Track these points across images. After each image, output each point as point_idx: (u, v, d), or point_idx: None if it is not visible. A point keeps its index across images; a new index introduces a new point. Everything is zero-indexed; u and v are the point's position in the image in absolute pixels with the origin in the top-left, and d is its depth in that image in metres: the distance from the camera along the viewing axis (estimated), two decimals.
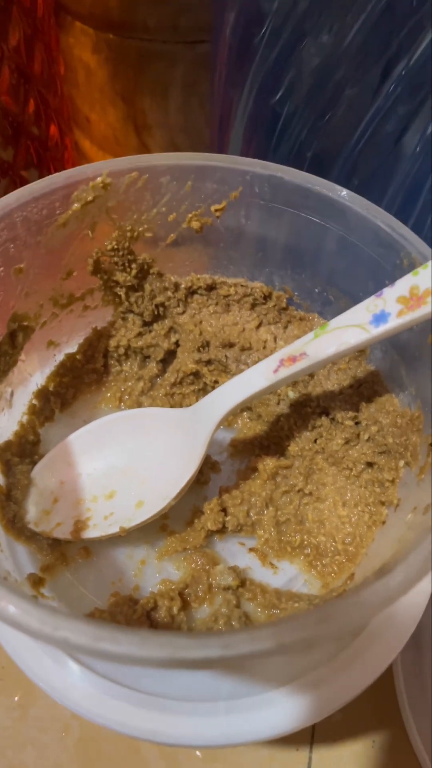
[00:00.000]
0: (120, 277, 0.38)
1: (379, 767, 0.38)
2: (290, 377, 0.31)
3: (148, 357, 0.41)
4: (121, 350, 0.41)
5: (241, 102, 0.42)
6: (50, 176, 0.33)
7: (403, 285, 0.28)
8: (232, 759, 0.38)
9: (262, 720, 0.29)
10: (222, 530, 0.35)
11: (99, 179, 0.34)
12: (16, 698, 0.40)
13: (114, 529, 0.34)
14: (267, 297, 0.39)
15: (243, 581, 0.34)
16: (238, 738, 0.28)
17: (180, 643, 0.20)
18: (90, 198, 0.34)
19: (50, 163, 0.47)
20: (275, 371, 0.31)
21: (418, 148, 0.37)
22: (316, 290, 0.38)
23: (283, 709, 0.29)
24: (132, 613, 0.31)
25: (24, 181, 0.45)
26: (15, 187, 0.42)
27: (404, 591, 0.21)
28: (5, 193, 0.44)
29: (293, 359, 0.31)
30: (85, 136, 0.63)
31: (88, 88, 0.57)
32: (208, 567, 0.34)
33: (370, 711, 0.40)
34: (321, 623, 0.21)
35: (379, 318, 0.28)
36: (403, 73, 0.35)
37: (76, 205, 0.34)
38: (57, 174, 0.33)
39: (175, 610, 0.32)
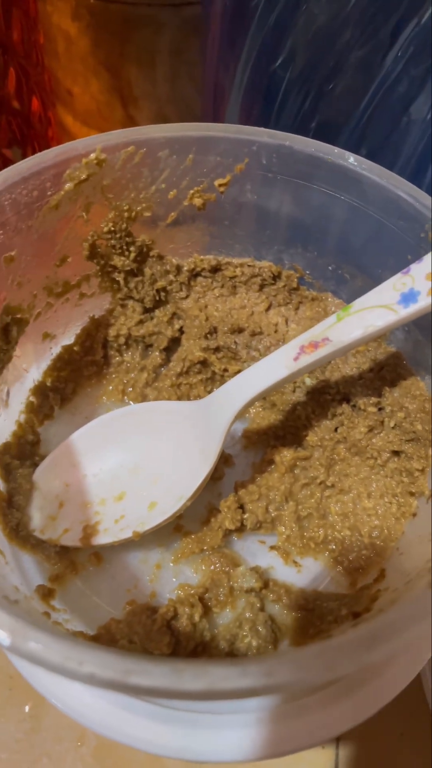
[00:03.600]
0: (118, 261, 0.35)
1: (409, 759, 0.37)
2: (312, 365, 0.29)
3: (151, 346, 0.39)
4: (122, 339, 0.38)
5: (238, 69, 0.39)
6: (39, 154, 0.30)
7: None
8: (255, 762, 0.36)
9: (295, 730, 0.27)
10: (240, 528, 0.33)
11: (92, 155, 0.31)
12: (27, 708, 0.38)
13: (127, 534, 0.31)
14: (276, 277, 0.37)
15: (266, 582, 0.32)
16: (270, 751, 0.27)
17: (219, 673, 0.18)
18: (83, 176, 0.31)
19: (34, 141, 0.44)
20: (296, 359, 0.29)
21: (429, 115, 0.35)
22: (330, 268, 0.35)
23: (314, 719, 0.27)
24: (151, 623, 0.29)
25: (6, 161, 0.42)
26: None
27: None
28: None
29: (315, 345, 0.28)
30: (67, 111, 0.59)
31: (69, 59, 0.54)
32: (228, 569, 0.32)
33: (396, 703, 0.38)
34: (370, 649, 0.18)
35: (408, 297, 0.26)
36: (413, 33, 0.32)
37: (68, 184, 0.31)
38: (46, 151, 0.30)
39: (196, 617, 0.30)
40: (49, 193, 0.31)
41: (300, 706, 0.27)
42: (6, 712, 0.38)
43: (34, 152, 0.45)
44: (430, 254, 0.26)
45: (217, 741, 0.27)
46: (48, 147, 0.31)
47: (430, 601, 0.19)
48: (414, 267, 0.26)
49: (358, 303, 0.28)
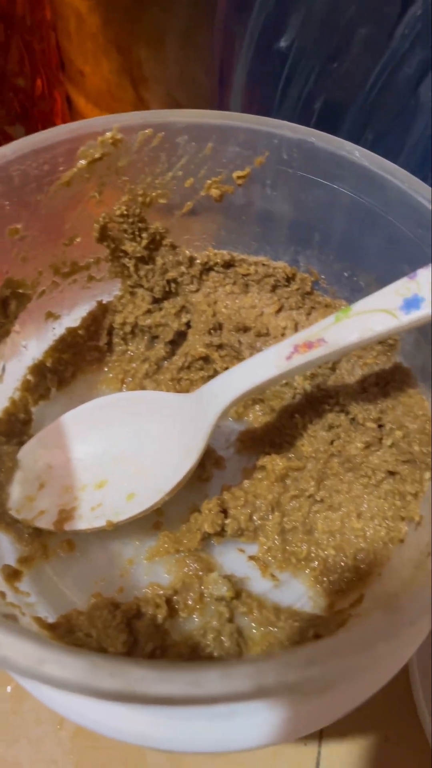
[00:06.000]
0: (129, 246, 0.35)
1: (392, 762, 0.35)
2: (305, 366, 0.27)
3: (157, 337, 0.38)
4: (128, 328, 0.37)
5: (243, 48, 0.38)
6: (53, 128, 0.30)
7: None
8: (236, 755, 0.35)
9: (266, 725, 0.25)
10: (220, 533, 0.32)
11: (109, 134, 0.30)
12: (9, 689, 0.38)
13: (100, 522, 0.30)
14: (290, 279, 0.36)
15: (239, 593, 0.30)
16: (237, 744, 0.25)
17: (137, 674, 0.17)
18: (98, 155, 0.31)
19: (38, 120, 0.44)
20: (288, 358, 0.27)
21: None
22: (345, 274, 0.34)
23: (287, 714, 0.25)
24: (111, 618, 0.28)
25: (9, 138, 0.41)
26: None
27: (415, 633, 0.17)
28: None
29: (309, 345, 0.27)
30: (79, 92, 0.57)
31: (80, 38, 0.52)
32: (201, 573, 0.31)
33: (382, 703, 0.36)
34: (311, 665, 0.17)
35: (411, 303, 0.24)
36: (421, 11, 0.31)
37: (82, 161, 0.31)
38: (61, 126, 0.30)
39: (159, 618, 0.29)
40: (61, 168, 0.30)
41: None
42: None
43: (37, 131, 0.44)
44: None
45: (185, 731, 0.25)
46: (53, 126, 0.31)
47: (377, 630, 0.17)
48: (421, 272, 0.25)
49: (359, 305, 0.26)
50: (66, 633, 0.28)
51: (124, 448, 0.33)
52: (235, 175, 0.33)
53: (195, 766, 0.34)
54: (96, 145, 0.31)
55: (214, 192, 0.33)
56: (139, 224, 0.34)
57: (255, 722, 0.25)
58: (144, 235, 0.34)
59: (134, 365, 0.38)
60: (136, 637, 0.28)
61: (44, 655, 0.17)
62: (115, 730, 0.25)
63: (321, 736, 0.36)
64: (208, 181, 0.33)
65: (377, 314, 0.25)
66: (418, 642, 0.26)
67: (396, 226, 0.30)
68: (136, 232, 0.34)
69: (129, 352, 0.38)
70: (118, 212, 0.33)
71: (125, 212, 0.33)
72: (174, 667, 0.17)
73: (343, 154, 0.30)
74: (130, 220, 0.34)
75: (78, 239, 0.34)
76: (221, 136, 0.31)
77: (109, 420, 0.33)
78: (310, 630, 0.27)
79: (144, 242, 0.35)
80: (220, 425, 0.36)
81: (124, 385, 0.37)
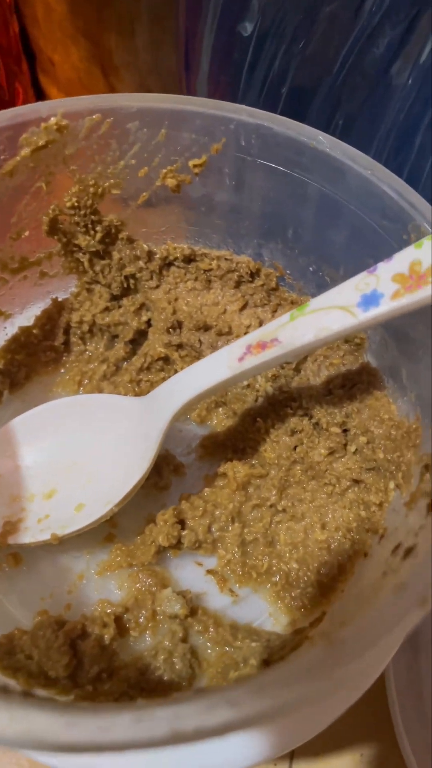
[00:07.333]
0: (82, 240, 0.33)
1: None
2: (258, 368, 0.25)
3: (116, 336, 0.36)
4: (85, 327, 0.35)
5: (205, 32, 0.36)
6: None
7: (402, 260, 0.22)
8: None
9: (225, 752, 0.23)
10: (177, 546, 0.30)
11: (53, 120, 0.28)
12: None
13: (45, 536, 0.28)
14: (254, 274, 0.34)
15: (194, 610, 0.28)
16: None
17: (41, 721, 0.15)
18: (42, 142, 0.29)
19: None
20: (240, 359, 0.25)
21: (410, 80, 0.31)
22: (311, 269, 0.32)
23: (249, 739, 0.23)
24: (54, 639, 0.26)
25: None
26: None
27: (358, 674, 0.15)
28: None
29: (263, 346, 0.25)
30: (51, 82, 0.55)
31: (48, 25, 0.50)
32: (155, 589, 0.29)
33: (357, 720, 0.35)
34: (234, 707, 0.15)
35: (370, 300, 0.22)
36: None
37: (25, 149, 0.29)
38: (1, 112, 0.28)
39: (106, 639, 0.27)
40: (2, 157, 0.28)
41: None
42: None
43: None
44: (400, 253, 0.22)
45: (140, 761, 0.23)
46: None
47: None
48: (381, 266, 0.23)
49: (315, 302, 0.24)
50: (5, 655, 0.26)
51: (75, 455, 0.31)
52: (191, 163, 0.31)
53: None
54: (40, 131, 0.29)
55: (170, 182, 0.31)
56: (92, 216, 0.32)
57: (220, 748, 0.23)
58: (98, 228, 0.32)
59: (92, 366, 0.36)
60: (81, 659, 0.26)
61: None
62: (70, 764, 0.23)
63: (292, 756, 0.34)
64: (164, 171, 0.31)
65: (334, 312, 0.23)
66: (395, 645, 0.24)
67: (360, 216, 0.28)
68: (89, 225, 0.32)
69: (87, 352, 0.36)
70: (68, 204, 0.31)
71: (76, 204, 0.31)
72: (81, 710, 0.15)
73: (303, 140, 0.28)
74: (82, 212, 0.32)
75: (26, 233, 0.32)
76: (175, 122, 0.29)
77: (59, 425, 0.31)
78: (265, 653, 0.25)
79: (98, 236, 0.32)
80: (181, 429, 0.34)
81: (81, 388, 0.35)
